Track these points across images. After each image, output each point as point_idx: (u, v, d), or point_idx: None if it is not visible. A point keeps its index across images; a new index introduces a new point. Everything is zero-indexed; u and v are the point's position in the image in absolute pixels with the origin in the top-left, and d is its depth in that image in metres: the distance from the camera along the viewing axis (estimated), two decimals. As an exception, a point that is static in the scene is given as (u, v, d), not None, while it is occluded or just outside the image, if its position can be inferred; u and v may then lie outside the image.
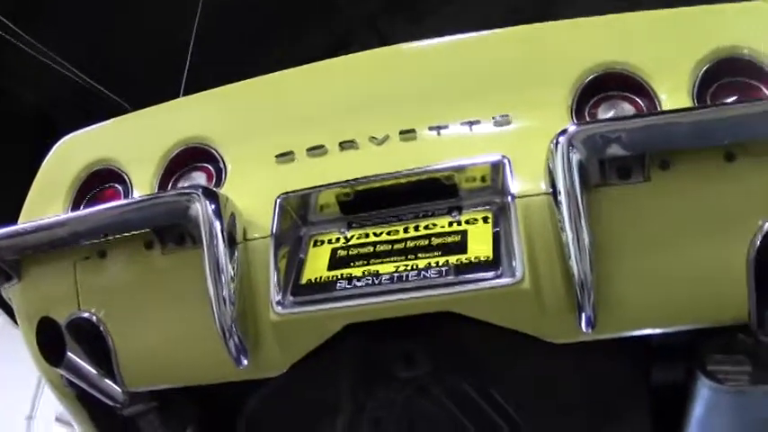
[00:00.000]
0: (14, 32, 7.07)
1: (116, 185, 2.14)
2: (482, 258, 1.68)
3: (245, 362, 1.77)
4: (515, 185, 1.74)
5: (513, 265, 1.65)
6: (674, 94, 1.87)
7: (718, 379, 1.78)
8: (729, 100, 1.84)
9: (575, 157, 1.61)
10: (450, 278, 1.66)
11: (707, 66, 1.89)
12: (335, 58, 2.15)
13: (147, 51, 7.41)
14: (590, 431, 2.06)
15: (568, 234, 1.61)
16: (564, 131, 1.62)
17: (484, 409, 1.96)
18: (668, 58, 1.91)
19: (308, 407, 2.05)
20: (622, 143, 1.62)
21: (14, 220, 2.03)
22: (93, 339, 1.93)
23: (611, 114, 1.90)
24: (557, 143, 1.62)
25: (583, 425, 2.05)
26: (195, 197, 1.74)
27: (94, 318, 1.94)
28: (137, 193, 2.10)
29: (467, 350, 1.91)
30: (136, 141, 2.19)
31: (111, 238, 1.90)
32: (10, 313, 2.28)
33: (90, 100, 7.90)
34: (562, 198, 1.62)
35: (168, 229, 1.86)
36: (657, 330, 1.76)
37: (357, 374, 1.95)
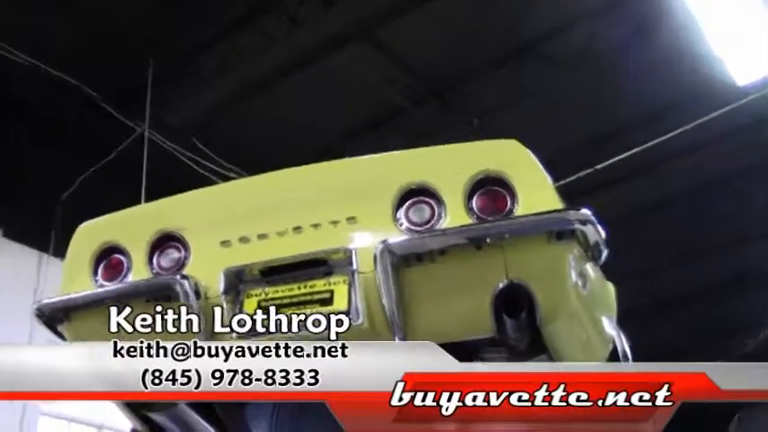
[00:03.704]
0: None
1: (120, 256, 3.40)
2: (341, 310, 2.99)
3: None
4: (358, 265, 3.02)
5: (358, 313, 2.97)
6: (453, 199, 3.13)
7: (485, 360, 3.15)
8: (482, 206, 3.12)
9: (388, 256, 2.91)
10: (324, 323, 2.97)
11: (476, 180, 3.14)
12: (251, 177, 3.40)
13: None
14: None
15: (384, 295, 2.93)
16: (384, 241, 2.92)
17: None
18: (450, 177, 3.15)
19: None
20: (416, 247, 2.94)
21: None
22: None
23: (418, 215, 3.17)
24: (379, 247, 2.92)
25: None
26: (177, 280, 3.05)
27: None
28: (134, 264, 3.36)
29: None
30: (133, 227, 3.44)
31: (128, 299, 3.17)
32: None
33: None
34: (380, 275, 2.93)
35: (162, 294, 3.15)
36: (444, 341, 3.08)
37: None
